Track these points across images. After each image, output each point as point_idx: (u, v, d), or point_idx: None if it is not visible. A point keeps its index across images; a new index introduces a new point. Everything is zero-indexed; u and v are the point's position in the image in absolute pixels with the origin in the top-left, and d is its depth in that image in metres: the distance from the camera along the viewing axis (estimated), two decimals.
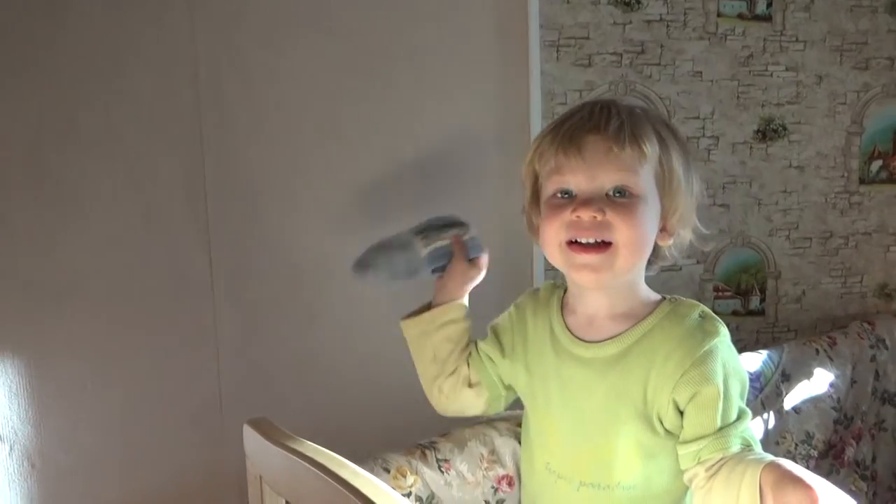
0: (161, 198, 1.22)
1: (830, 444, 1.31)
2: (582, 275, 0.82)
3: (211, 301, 1.26)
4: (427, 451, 0.97)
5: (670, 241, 0.87)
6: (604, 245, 0.80)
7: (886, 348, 1.40)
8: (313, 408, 1.29)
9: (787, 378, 1.28)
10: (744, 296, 1.55)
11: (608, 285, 0.84)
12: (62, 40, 1.14)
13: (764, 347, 1.37)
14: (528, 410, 0.95)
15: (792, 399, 1.27)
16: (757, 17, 1.50)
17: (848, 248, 1.59)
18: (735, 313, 1.54)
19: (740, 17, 1.49)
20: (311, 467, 0.61)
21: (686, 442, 0.81)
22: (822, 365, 1.31)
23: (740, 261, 1.54)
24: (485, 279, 1.10)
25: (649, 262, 0.88)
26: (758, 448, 0.80)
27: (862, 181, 1.59)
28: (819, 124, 1.55)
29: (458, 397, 0.97)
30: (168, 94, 1.21)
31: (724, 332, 0.84)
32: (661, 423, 0.83)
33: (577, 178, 0.81)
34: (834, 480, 0.90)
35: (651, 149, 0.81)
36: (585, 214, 0.79)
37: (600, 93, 1.43)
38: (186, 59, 1.21)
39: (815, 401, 1.29)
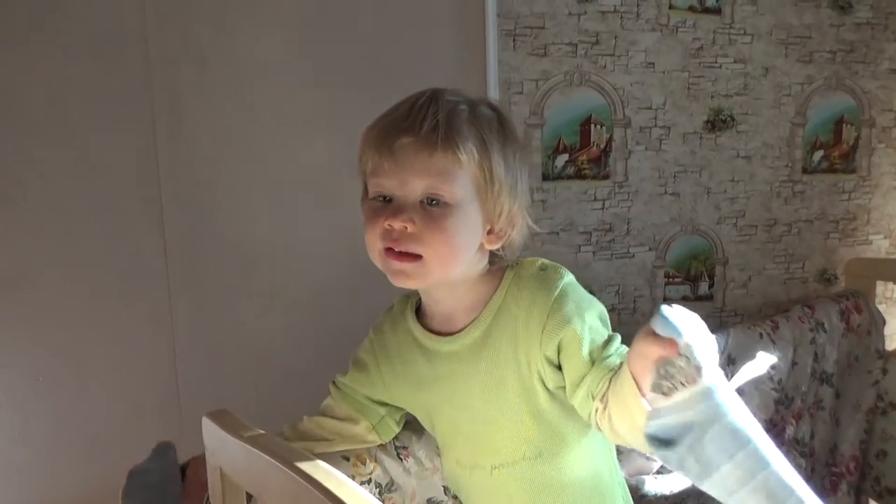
0: (113, 185, 1.19)
1: (772, 423, 1.37)
2: (398, 279, 0.81)
3: (166, 290, 1.24)
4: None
5: (498, 244, 0.85)
6: (414, 256, 0.79)
7: (825, 331, 1.46)
8: (272, 396, 1.29)
9: (733, 362, 1.33)
10: (693, 282, 1.60)
11: (434, 286, 0.84)
12: (6, 21, 1.10)
13: (712, 332, 1.41)
14: (423, 421, 0.96)
15: (736, 382, 1.33)
16: (707, 10, 1.54)
17: (791, 235, 1.66)
18: (685, 298, 1.59)
19: (691, 9, 1.53)
20: (270, 458, 0.62)
21: (573, 389, 0.82)
22: (765, 348, 1.36)
23: (690, 248, 1.59)
24: None
25: (492, 262, 0.86)
26: None
27: (805, 171, 1.65)
28: (765, 115, 1.61)
29: (339, 439, 0.96)
30: (118, 77, 1.18)
31: (566, 274, 0.84)
32: (544, 384, 0.84)
33: (391, 182, 0.78)
34: None
35: (467, 154, 0.78)
36: (396, 224, 0.78)
37: (555, 82, 1.45)
38: (136, 41, 1.18)
39: (756, 382, 1.34)
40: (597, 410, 0.79)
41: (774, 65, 1.59)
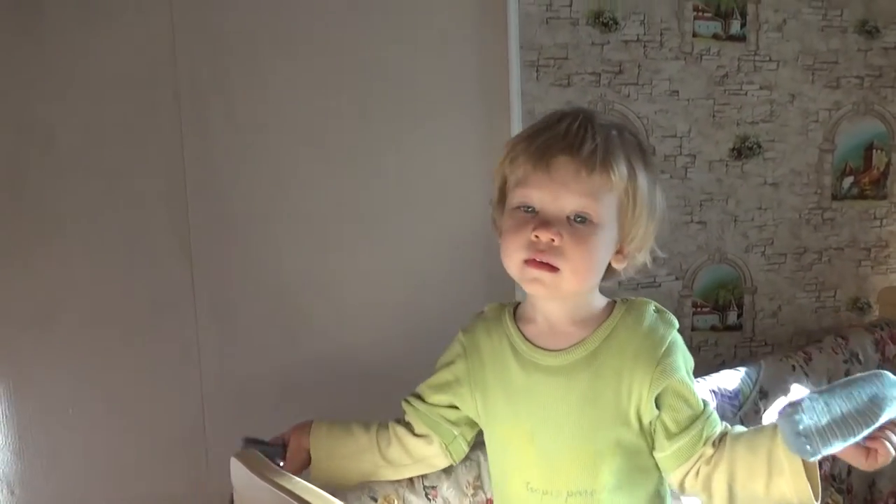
0: (142, 216, 1.21)
1: None
2: (533, 287, 0.85)
3: (194, 320, 1.25)
4: (414, 479, 0.98)
5: (625, 264, 0.90)
6: (552, 268, 0.82)
7: (860, 363, 1.43)
8: None
9: (765, 395, 1.31)
10: (721, 311, 1.57)
11: (560, 298, 0.87)
12: (40, 57, 1.13)
13: (742, 362, 1.39)
14: (495, 435, 0.94)
15: (769, 416, 1.30)
16: (731, 38, 1.53)
17: (821, 263, 1.63)
18: (713, 328, 1.57)
19: (715, 37, 1.52)
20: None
21: (680, 431, 0.86)
22: (798, 381, 1.33)
23: (718, 277, 1.57)
24: (468, 291, 1.10)
25: (604, 277, 0.90)
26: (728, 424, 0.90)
27: (834, 197, 1.63)
28: (792, 142, 1.59)
29: (410, 455, 0.96)
30: (149, 111, 1.20)
31: (677, 324, 0.90)
32: (640, 418, 0.86)
33: (542, 195, 0.82)
34: None
35: (619, 178, 0.83)
36: (543, 236, 0.81)
37: None
38: (167, 76, 1.20)
39: None
40: (703, 455, 0.86)
41: (801, 91, 1.58)
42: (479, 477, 1.03)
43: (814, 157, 1.61)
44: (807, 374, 1.36)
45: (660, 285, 1.53)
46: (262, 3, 1.25)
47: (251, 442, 0.93)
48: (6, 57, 1.11)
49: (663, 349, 0.86)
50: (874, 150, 1.64)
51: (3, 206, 1.13)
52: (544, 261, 0.82)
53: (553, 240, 0.81)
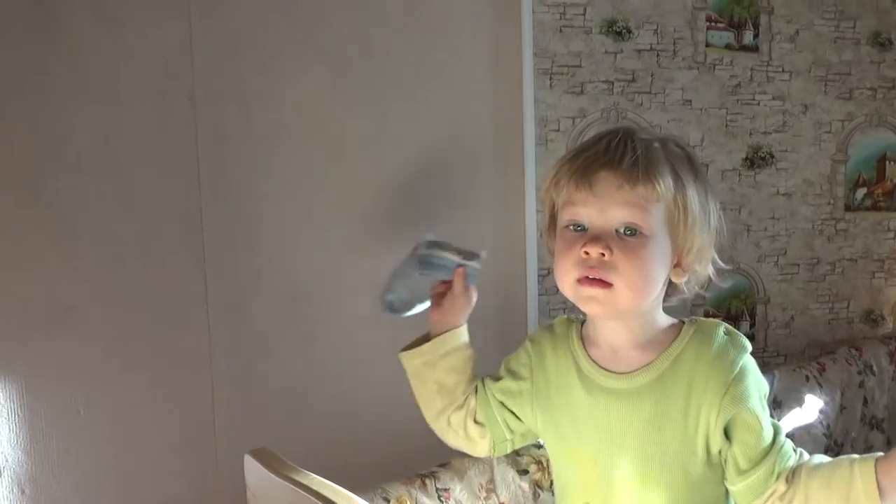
0: (156, 221, 1.21)
1: None
2: (589, 306, 0.83)
3: (206, 325, 1.25)
4: (427, 481, 0.97)
5: (685, 278, 0.86)
6: (606, 284, 0.81)
7: (874, 374, 1.42)
8: (309, 434, 1.28)
9: (779, 405, 1.30)
10: (734, 321, 1.57)
11: (619, 317, 0.85)
12: (57, 62, 1.14)
13: None
14: (558, 451, 0.91)
15: (784, 426, 1.28)
16: (744, 48, 1.54)
17: (834, 274, 1.62)
18: None
19: (728, 47, 1.53)
20: (315, 500, 0.61)
21: (751, 468, 0.83)
22: (811, 391, 1.32)
23: (730, 286, 1.55)
24: (480, 296, 1.09)
25: (668, 294, 0.88)
26: (804, 451, 0.86)
27: (847, 208, 1.62)
28: (805, 152, 1.59)
29: (466, 431, 0.95)
30: (164, 116, 1.21)
31: (750, 346, 0.86)
32: (708, 446, 0.83)
33: (589, 212, 0.82)
34: None
35: (665, 187, 0.81)
36: (593, 251, 0.80)
37: (592, 120, 1.45)
38: (183, 83, 1.21)
39: (806, 428, 1.30)
40: (776, 491, 0.83)
41: (814, 102, 1.58)
42: (491, 480, 1.02)
43: (827, 167, 1.60)
44: (820, 385, 1.35)
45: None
46: (278, 10, 1.26)
47: (434, 244, 1.01)
48: (24, 60, 1.12)
49: (733, 375, 0.82)
50: (887, 162, 1.64)
51: (18, 209, 1.13)
52: (596, 277, 0.80)
53: (603, 254, 0.80)
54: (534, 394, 0.91)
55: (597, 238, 0.80)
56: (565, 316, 0.94)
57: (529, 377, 0.91)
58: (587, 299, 0.82)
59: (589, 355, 0.88)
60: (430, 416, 0.96)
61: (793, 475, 0.83)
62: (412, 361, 0.96)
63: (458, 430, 0.95)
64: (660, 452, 0.84)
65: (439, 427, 0.96)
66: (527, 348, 0.94)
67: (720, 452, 0.84)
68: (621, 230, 0.81)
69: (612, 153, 0.81)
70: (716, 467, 0.85)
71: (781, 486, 0.82)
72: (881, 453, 0.80)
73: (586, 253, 0.80)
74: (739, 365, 0.83)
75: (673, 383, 0.83)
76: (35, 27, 1.12)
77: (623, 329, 0.86)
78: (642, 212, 0.81)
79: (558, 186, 0.84)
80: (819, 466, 0.83)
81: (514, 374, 0.93)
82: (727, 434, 0.83)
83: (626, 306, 0.82)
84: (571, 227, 0.83)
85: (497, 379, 0.94)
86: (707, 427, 0.83)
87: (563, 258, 0.82)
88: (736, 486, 0.84)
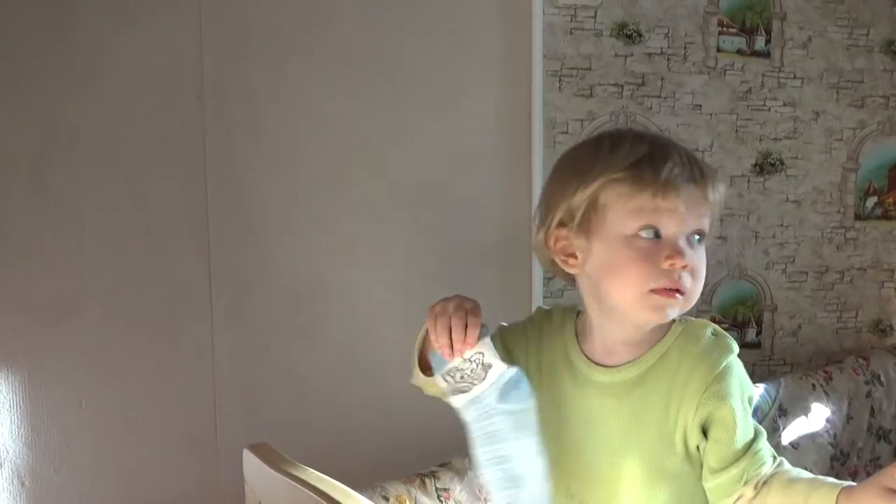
0: (162, 216, 1.22)
1: None
2: (655, 315, 0.83)
3: (209, 320, 1.25)
4: (426, 480, 0.97)
5: None
6: (682, 292, 0.82)
7: (882, 384, 1.40)
8: (310, 431, 1.28)
9: (784, 413, 1.28)
10: (740, 328, 1.55)
11: (614, 318, 0.86)
12: (68, 56, 1.15)
13: (760, 380, 1.37)
14: (545, 433, 0.89)
15: (789, 434, 1.27)
16: (756, 53, 1.53)
17: (843, 283, 1.61)
18: None
19: (739, 52, 1.52)
20: (313, 495, 0.60)
21: (722, 468, 0.83)
22: (818, 400, 1.31)
23: (737, 293, 1.55)
24: (483, 295, 1.07)
25: None
26: (785, 461, 0.85)
27: (857, 217, 1.61)
28: (816, 160, 1.57)
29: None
30: (173, 112, 1.21)
31: (736, 348, 0.86)
32: (686, 442, 0.84)
33: (671, 220, 0.81)
34: None
35: (720, 195, 0.85)
36: (679, 263, 0.80)
37: (600, 123, 1.45)
38: (192, 79, 1.22)
39: (812, 436, 1.29)
40: (742, 496, 0.82)
41: (825, 109, 1.57)
42: None
43: (837, 175, 1.59)
44: (827, 394, 1.34)
45: None
46: (287, 8, 1.26)
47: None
48: (35, 54, 1.13)
49: (716, 373, 0.83)
50: None
51: (26, 202, 1.14)
52: (680, 288, 0.80)
53: (686, 266, 0.80)
54: (525, 366, 0.89)
55: (679, 249, 0.81)
56: (562, 306, 0.94)
57: (523, 358, 0.90)
58: (660, 308, 0.81)
59: (581, 349, 0.89)
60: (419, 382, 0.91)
61: (763, 483, 0.82)
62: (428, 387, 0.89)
63: None
64: (638, 445, 0.84)
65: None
66: (525, 329, 0.93)
67: (698, 448, 0.84)
68: (692, 237, 0.82)
69: (689, 170, 0.82)
70: (696, 464, 0.85)
71: (749, 492, 0.82)
72: (853, 483, 0.78)
73: (671, 265, 0.80)
74: (723, 364, 0.83)
75: (657, 379, 0.84)
76: (49, 23, 1.13)
77: (620, 327, 0.86)
78: (709, 219, 0.84)
79: (616, 189, 0.82)
80: (792, 481, 0.82)
81: (507, 350, 0.91)
82: (704, 431, 0.83)
83: (683, 311, 0.83)
84: (643, 234, 0.81)
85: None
86: (685, 422, 0.83)
87: (637, 267, 0.81)
88: (708, 484, 0.85)
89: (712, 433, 0.83)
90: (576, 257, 0.84)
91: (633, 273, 0.81)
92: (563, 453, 0.88)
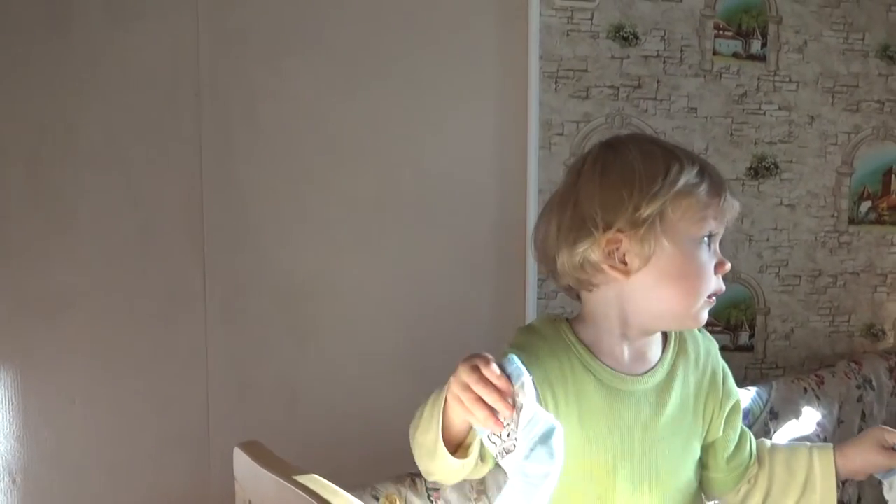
0: (157, 214, 1.22)
1: None
2: (701, 319, 0.85)
3: (203, 320, 1.25)
4: (417, 480, 0.97)
5: None
6: None
7: (873, 389, 1.41)
8: (302, 431, 1.28)
9: (776, 416, 1.29)
10: (733, 331, 1.56)
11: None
12: (65, 53, 1.14)
13: (752, 383, 1.37)
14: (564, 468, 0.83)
15: (780, 437, 1.28)
16: (751, 57, 1.53)
17: (836, 287, 1.61)
18: (724, 348, 1.53)
19: (735, 56, 1.52)
20: (303, 494, 0.61)
21: (739, 451, 0.90)
22: (809, 403, 1.31)
23: (730, 296, 1.55)
24: (478, 296, 1.06)
25: None
26: None
27: (851, 221, 1.61)
28: (810, 164, 1.58)
29: (470, 473, 0.81)
30: (170, 110, 1.21)
31: None
32: (707, 435, 0.89)
33: (720, 228, 0.85)
34: None
35: None
36: (727, 269, 0.85)
37: (596, 125, 1.45)
38: (189, 77, 1.22)
39: (803, 440, 1.29)
40: (749, 469, 0.91)
41: (820, 113, 1.57)
42: (482, 481, 1.01)
43: (831, 179, 1.59)
44: (818, 398, 1.34)
45: None
46: (285, 8, 1.26)
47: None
48: (34, 53, 1.13)
49: (723, 363, 0.90)
50: (893, 176, 1.63)
51: (21, 200, 1.14)
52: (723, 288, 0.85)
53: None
54: (543, 407, 0.81)
55: (723, 258, 0.85)
56: (545, 315, 0.94)
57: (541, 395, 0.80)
58: (705, 312, 0.85)
59: (602, 362, 0.85)
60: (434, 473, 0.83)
61: (758, 456, 0.92)
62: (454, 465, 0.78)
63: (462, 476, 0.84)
64: (682, 451, 0.87)
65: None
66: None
67: (709, 443, 0.89)
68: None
69: (720, 178, 0.87)
70: (697, 463, 0.90)
71: (754, 468, 0.91)
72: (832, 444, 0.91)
73: (722, 272, 0.84)
74: (721, 359, 0.91)
75: (681, 377, 0.87)
76: (46, 20, 1.13)
77: (651, 334, 0.88)
78: None
79: (687, 198, 0.83)
80: (777, 448, 0.92)
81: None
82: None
83: None
84: (705, 240, 0.84)
85: None
86: (712, 416, 0.89)
87: (705, 274, 0.83)
88: (720, 473, 0.90)
89: (730, 419, 0.89)
90: (626, 264, 0.82)
91: (703, 279, 0.83)
92: (597, 478, 0.84)
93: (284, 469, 0.67)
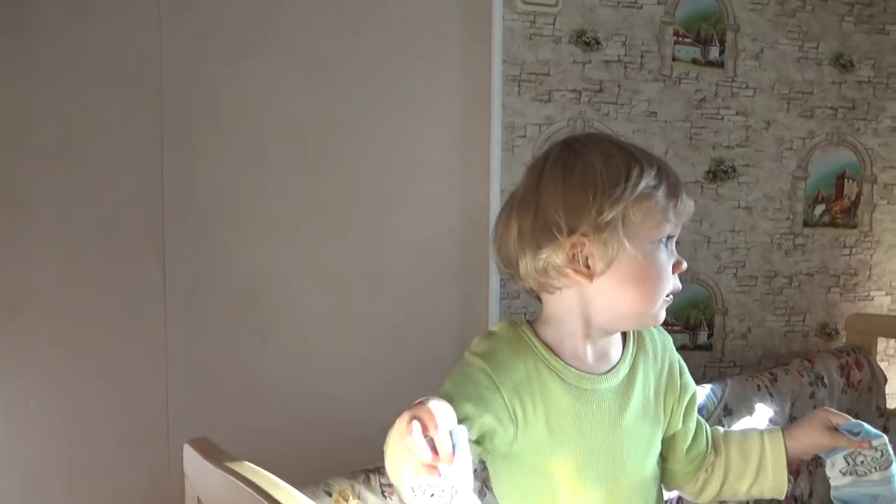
0: (117, 211, 1.21)
1: None
2: (661, 317, 0.87)
3: (163, 317, 1.25)
4: (371, 476, 0.97)
5: None
6: None
7: (825, 386, 1.44)
8: (263, 429, 1.28)
9: (730, 412, 1.32)
10: (692, 330, 1.59)
11: None
12: (24, 49, 1.13)
13: (710, 382, 1.40)
14: (527, 472, 0.85)
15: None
16: (710, 63, 1.57)
17: (791, 287, 1.65)
18: (683, 347, 1.58)
19: (694, 62, 1.56)
20: (245, 487, 0.61)
21: (696, 440, 0.93)
22: (762, 400, 1.34)
23: (689, 296, 1.58)
24: (440, 295, 1.06)
25: None
26: None
27: (806, 224, 1.66)
28: (766, 168, 1.62)
29: None
30: (131, 109, 1.21)
31: None
32: (668, 425, 0.91)
33: (677, 229, 0.86)
34: None
35: None
36: (683, 269, 0.86)
37: (558, 128, 1.47)
38: (151, 75, 1.21)
39: None
40: (706, 459, 0.95)
41: (776, 119, 1.61)
42: None
43: (787, 183, 1.64)
44: (771, 395, 1.37)
45: None
46: (248, 6, 1.26)
47: None
48: None
49: (678, 356, 0.92)
50: (846, 180, 1.68)
51: None
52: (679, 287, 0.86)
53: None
54: (512, 415, 0.82)
55: (680, 258, 0.86)
56: (506, 320, 0.91)
57: (502, 399, 0.81)
58: (664, 311, 0.86)
59: (567, 363, 0.85)
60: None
61: (714, 444, 0.95)
62: None
63: None
64: (646, 446, 0.89)
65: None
66: (480, 367, 0.82)
67: (669, 436, 0.92)
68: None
69: (676, 178, 0.87)
70: (658, 457, 0.92)
71: (711, 456, 0.94)
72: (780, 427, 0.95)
73: (679, 270, 0.85)
74: (673, 347, 0.94)
75: (641, 373, 0.89)
76: (5, 16, 1.12)
77: (613, 333, 0.89)
78: None
79: (648, 201, 0.82)
80: (730, 434, 0.95)
81: (482, 405, 0.80)
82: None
83: None
84: (664, 241, 0.84)
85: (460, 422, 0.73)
86: (672, 409, 0.91)
87: (665, 274, 0.84)
88: (679, 465, 0.92)
89: (689, 411, 0.92)
90: (589, 267, 0.82)
91: (663, 280, 0.84)
92: (562, 483, 0.84)
93: (233, 465, 0.68)
